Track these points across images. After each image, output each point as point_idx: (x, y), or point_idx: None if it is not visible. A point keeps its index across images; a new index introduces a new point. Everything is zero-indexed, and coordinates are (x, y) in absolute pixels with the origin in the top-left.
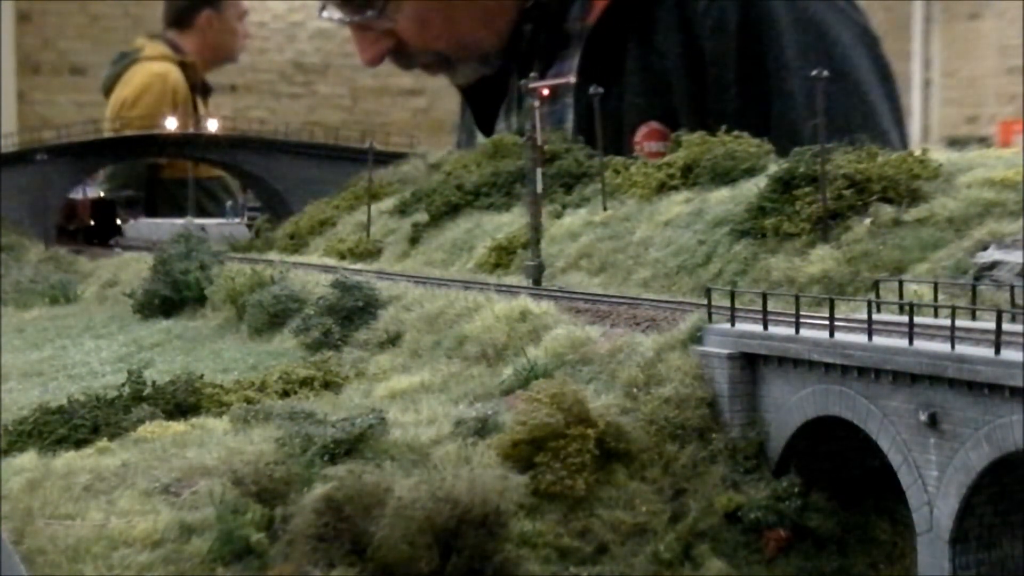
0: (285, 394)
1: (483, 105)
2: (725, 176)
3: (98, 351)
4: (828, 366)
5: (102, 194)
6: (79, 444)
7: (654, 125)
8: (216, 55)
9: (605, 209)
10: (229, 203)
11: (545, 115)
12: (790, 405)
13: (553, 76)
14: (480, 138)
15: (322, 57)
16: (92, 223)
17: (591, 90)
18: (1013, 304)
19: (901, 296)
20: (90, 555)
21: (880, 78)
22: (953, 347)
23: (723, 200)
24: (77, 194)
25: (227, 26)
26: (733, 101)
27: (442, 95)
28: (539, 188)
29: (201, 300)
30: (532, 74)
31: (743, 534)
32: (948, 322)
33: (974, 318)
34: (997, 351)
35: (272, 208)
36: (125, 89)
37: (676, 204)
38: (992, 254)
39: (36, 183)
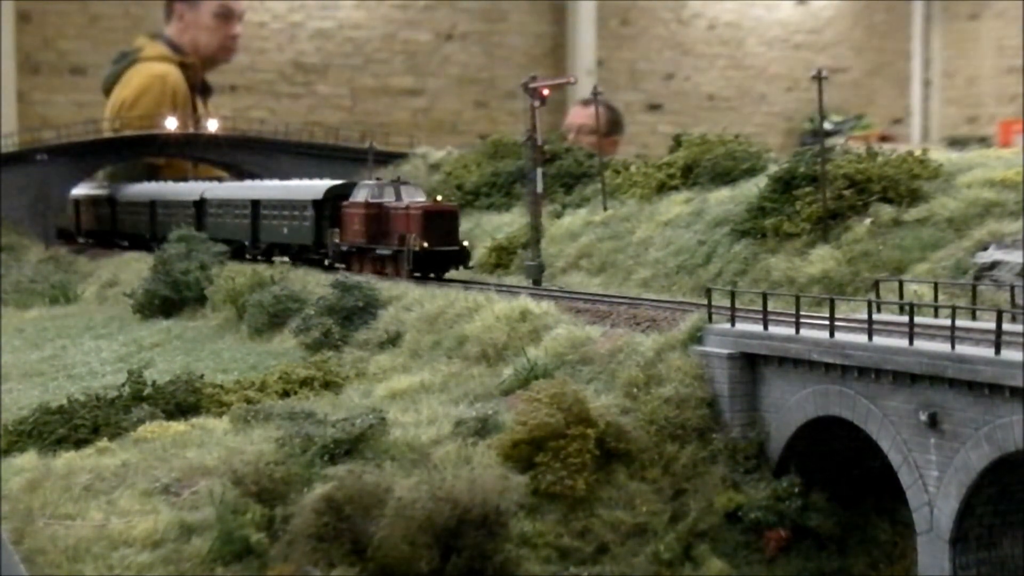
0: (285, 394)
1: None
2: (725, 176)
3: (98, 351)
4: (828, 366)
5: (439, 198)
6: (79, 444)
7: None
8: (195, 50)
9: (605, 209)
10: None
11: None
12: (790, 405)
13: None
14: None
15: (322, 57)
16: (425, 244)
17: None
18: (1013, 304)
19: (901, 296)
20: (90, 555)
21: None
22: (953, 347)
23: (723, 200)
24: (387, 197)
25: (201, 22)
26: None
27: (442, 95)
28: (539, 188)
29: (201, 300)
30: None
31: (743, 534)
32: (948, 322)
33: (974, 318)
34: (997, 351)
35: None
36: (124, 90)
37: (676, 204)
38: (992, 254)
39: (36, 183)
